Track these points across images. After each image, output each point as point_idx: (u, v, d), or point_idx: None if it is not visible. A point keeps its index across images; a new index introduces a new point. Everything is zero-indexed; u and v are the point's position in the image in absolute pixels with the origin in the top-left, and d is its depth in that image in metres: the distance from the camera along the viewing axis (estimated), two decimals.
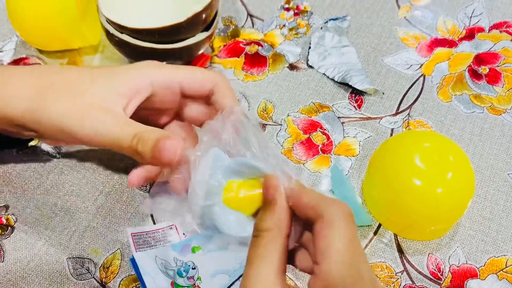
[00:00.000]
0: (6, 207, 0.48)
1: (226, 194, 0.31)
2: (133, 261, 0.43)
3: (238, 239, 0.31)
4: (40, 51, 0.59)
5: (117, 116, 0.35)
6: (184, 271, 0.42)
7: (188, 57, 0.53)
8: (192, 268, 0.42)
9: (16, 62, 0.58)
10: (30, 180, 0.49)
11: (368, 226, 0.46)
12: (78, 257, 0.45)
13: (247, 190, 0.32)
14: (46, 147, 0.50)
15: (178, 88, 0.39)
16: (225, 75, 0.41)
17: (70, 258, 0.45)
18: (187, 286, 0.41)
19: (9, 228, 0.46)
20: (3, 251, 0.45)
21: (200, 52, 0.55)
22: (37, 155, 0.51)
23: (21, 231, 0.46)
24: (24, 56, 0.59)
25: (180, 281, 0.41)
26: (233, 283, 0.41)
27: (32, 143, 0.50)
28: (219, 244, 0.42)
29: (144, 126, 0.35)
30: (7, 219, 0.47)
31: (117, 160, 0.50)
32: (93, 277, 0.44)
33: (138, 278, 0.42)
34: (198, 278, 0.42)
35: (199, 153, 0.31)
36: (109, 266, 0.44)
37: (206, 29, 0.52)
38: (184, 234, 0.44)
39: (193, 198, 0.31)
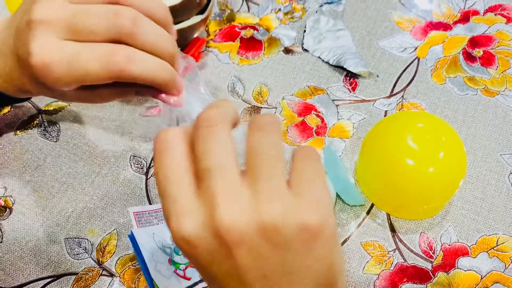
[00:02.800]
0: (5, 189, 0.48)
1: None
2: (131, 237, 0.43)
3: None
4: None
5: None
6: None
7: (182, 40, 0.54)
8: None
9: None
10: (28, 162, 0.50)
11: (361, 206, 0.47)
12: (75, 238, 0.45)
13: None
14: (45, 126, 0.51)
15: None
16: None
17: (67, 238, 0.45)
18: (184, 264, 0.42)
19: (8, 209, 0.47)
20: (1, 232, 0.46)
21: (195, 35, 0.55)
22: (35, 139, 0.51)
23: (19, 212, 0.47)
24: None
25: (177, 258, 0.42)
26: None
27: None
28: None
29: None
30: (5, 201, 0.48)
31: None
32: (90, 257, 0.44)
33: (137, 253, 0.42)
34: None
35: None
36: (106, 246, 0.45)
37: (201, 12, 0.53)
38: None
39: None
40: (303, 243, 0.24)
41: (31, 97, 0.49)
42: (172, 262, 0.42)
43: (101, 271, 0.44)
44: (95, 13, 0.29)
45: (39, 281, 0.43)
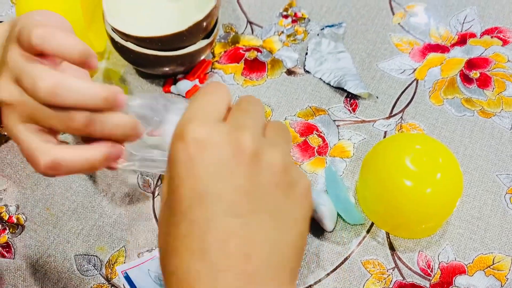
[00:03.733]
0: (17, 206, 0.50)
1: None
2: (127, 278, 0.45)
3: None
4: None
5: None
6: None
7: (189, 63, 0.56)
8: None
9: None
10: (39, 181, 0.52)
11: (361, 224, 0.48)
12: (85, 254, 0.47)
13: None
14: None
15: None
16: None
17: (77, 255, 0.47)
18: None
19: (20, 227, 0.49)
20: (14, 249, 0.48)
21: (202, 58, 0.57)
22: None
23: (31, 229, 0.49)
24: None
25: None
26: None
27: None
28: None
29: None
30: (17, 219, 0.49)
31: None
32: (99, 273, 0.46)
33: None
34: None
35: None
36: (114, 262, 0.47)
37: (207, 36, 0.55)
38: None
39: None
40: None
41: None
42: None
43: (109, 287, 0.45)
44: (50, 116, 0.32)
45: None
